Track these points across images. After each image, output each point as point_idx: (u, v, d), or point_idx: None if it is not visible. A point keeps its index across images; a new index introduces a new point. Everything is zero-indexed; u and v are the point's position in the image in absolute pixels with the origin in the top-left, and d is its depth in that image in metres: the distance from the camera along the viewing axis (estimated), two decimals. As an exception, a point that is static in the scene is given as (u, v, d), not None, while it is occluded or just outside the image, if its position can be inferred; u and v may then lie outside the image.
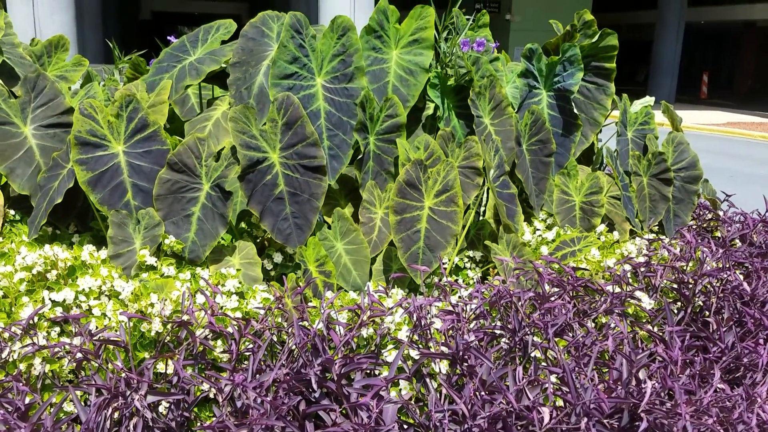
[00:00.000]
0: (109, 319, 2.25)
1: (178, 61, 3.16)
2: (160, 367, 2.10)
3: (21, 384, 1.92)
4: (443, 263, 2.84)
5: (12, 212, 2.89)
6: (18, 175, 2.78)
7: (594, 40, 3.56)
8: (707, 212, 3.86)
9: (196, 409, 2.11)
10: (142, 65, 3.57)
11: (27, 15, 11.57)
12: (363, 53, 3.19)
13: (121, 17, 26.36)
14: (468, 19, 3.72)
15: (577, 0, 18.79)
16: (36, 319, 2.20)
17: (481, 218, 3.32)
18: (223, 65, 3.11)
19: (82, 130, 2.57)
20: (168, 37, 3.69)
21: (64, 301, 2.29)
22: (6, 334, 2.11)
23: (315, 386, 1.83)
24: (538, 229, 3.26)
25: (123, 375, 1.90)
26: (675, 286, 2.67)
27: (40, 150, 2.83)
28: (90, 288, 2.33)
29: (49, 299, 2.29)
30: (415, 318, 2.14)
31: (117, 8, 24.92)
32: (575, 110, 3.52)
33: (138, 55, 3.70)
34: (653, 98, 4.04)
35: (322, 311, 2.14)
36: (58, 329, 2.24)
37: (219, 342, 2.18)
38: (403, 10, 3.22)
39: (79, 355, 2.02)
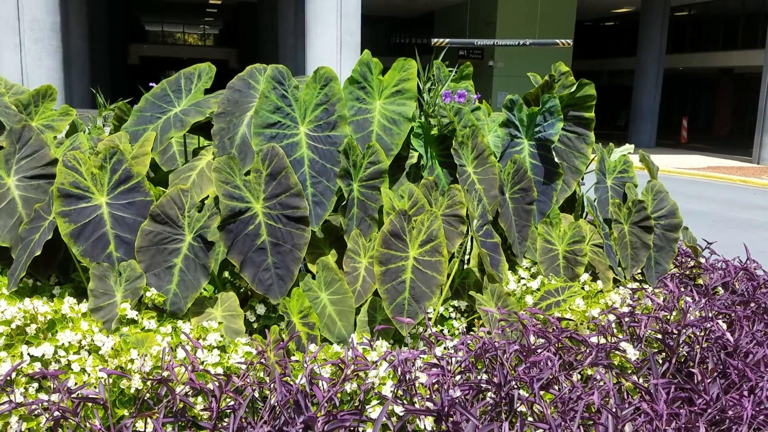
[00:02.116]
0: (89, 375, 2.20)
1: (162, 111, 3.18)
2: (140, 425, 2.06)
3: (-5, 444, 1.87)
4: (428, 313, 2.83)
5: (-8, 264, 2.86)
6: (-1, 227, 2.75)
7: (572, 90, 3.64)
8: (689, 259, 3.89)
9: (175, 468, 2.06)
10: (128, 113, 3.58)
11: (15, 62, 11.65)
12: (347, 103, 3.23)
13: (110, 63, 26.61)
14: (450, 71, 3.79)
15: (558, 47, 19.21)
16: (14, 374, 2.16)
17: (465, 267, 3.32)
18: (208, 116, 3.13)
19: (65, 182, 2.56)
20: (151, 84, 3.72)
21: (43, 356, 2.25)
22: (-19, 392, 2.06)
23: (297, 445, 1.80)
24: (522, 278, 3.26)
25: (100, 434, 1.86)
26: (659, 336, 2.67)
27: (22, 201, 2.81)
28: (70, 342, 2.29)
29: (28, 354, 2.25)
30: (399, 372, 2.12)
31: (105, 54, 25.17)
32: (556, 159, 3.57)
33: (125, 102, 3.71)
34: (633, 146, 4.12)
35: (305, 366, 2.11)
36: (36, 385, 2.20)
37: (200, 399, 2.14)
38: (389, 56, 3.28)
39: (57, 413, 1.98)
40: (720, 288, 3.51)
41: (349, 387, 2.19)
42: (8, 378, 2.08)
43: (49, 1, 11.80)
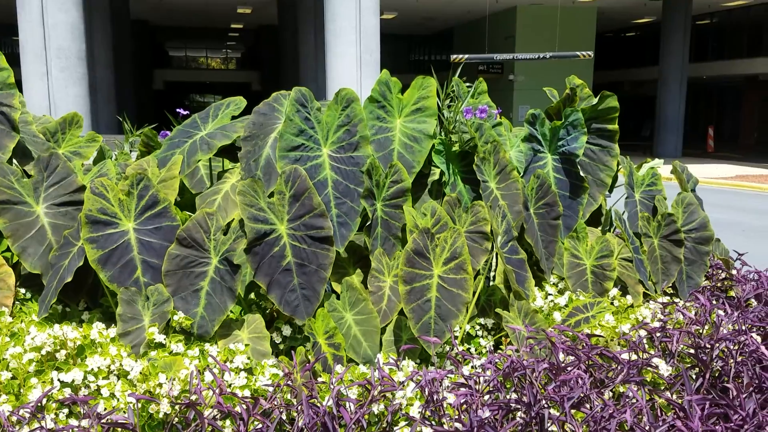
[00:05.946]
0: (118, 399, 2.22)
1: (189, 136, 3.23)
2: (168, 449, 2.06)
3: (27, 471, 1.88)
4: (454, 332, 2.80)
5: (23, 291, 2.90)
6: (30, 254, 2.80)
7: (594, 103, 3.61)
8: (721, 272, 3.81)
9: (204, 493, 2.05)
10: (154, 138, 3.64)
11: (42, 89, 11.93)
12: (368, 123, 3.24)
13: (135, 89, 27.08)
14: (469, 86, 3.79)
15: (579, 59, 19.14)
16: (44, 400, 2.18)
17: (491, 284, 3.29)
18: (234, 139, 3.16)
19: (93, 209, 2.60)
20: (177, 110, 3.77)
21: (73, 381, 2.27)
22: (14, 418, 2.08)
23: (326, 468, 1.78)
24: (549, 294, 3.22)
25: (130, 459, 1.86)
26: (692, 351, 2.61)
27: (52, 228, 2.86)
28: (99, 367, 2.31)
29: (58, 380, 2.28)
30: (427, 392, 2.10)
31: (130, 80, 25.63)
32: (581, 173, 3.54)
33: (151, 128, 3.77)
34: (662, 161, 4.05)
35: (332, 387, 2.10)
36: (66, 410, 2.22)
37: (228, 422, 2.14)
38: (409, 73, 3.29)
39: (86, 438, 1.99)
40: (753, 300, 3.44)
41: (376, 408, 2.18)
42: (39, 404, 2.10)
43: (75, 30, 12.09)
